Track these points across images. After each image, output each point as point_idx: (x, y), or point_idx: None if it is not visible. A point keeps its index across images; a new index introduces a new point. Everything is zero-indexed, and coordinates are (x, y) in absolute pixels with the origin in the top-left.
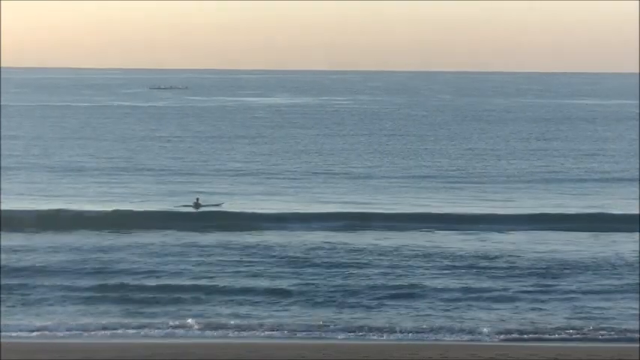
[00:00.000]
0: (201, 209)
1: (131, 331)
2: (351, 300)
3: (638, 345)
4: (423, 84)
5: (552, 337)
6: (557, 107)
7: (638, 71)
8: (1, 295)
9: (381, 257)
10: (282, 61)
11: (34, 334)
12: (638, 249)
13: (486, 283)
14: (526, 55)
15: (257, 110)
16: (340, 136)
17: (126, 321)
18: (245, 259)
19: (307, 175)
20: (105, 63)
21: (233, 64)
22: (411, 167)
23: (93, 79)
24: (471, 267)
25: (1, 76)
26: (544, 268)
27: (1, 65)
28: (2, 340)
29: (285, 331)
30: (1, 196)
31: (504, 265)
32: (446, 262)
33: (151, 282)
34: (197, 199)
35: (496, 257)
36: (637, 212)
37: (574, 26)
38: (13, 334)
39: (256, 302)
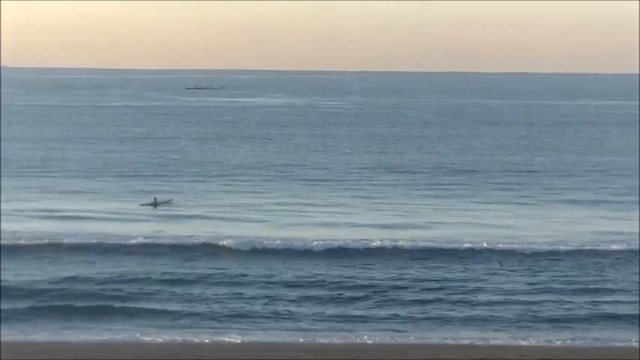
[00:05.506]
0: (158, 207)
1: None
2: None
3: (638, 345)
4: (416, 85)
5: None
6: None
7: (638, 72)
8: None
9: None
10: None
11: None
12: None
13: None
14: (526, 56)
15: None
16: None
17: None
18: None
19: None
20: (100, 63)
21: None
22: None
23: (114, 80)
24: None
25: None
26: None
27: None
28: (2, 340)
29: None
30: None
31: None
32: None
33: None
34: (155, 199)
35: None
36: None
37: (574, 26)
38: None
39: None
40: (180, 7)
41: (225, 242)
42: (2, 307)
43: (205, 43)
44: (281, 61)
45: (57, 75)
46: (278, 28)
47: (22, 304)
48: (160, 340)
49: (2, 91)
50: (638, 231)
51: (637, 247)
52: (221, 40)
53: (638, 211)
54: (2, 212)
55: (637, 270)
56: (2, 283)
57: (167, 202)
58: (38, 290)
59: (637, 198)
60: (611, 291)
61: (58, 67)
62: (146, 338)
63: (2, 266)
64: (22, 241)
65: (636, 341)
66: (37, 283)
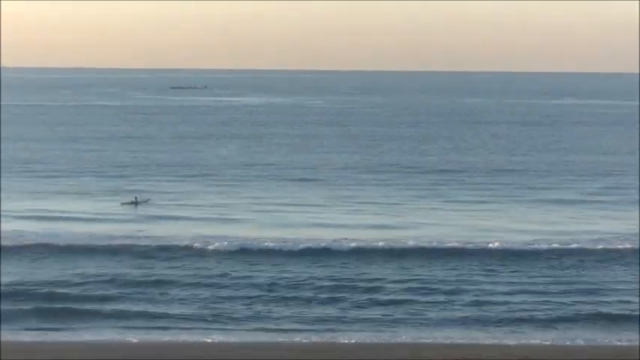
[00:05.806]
0: (138, 206)
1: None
2: None
3: (638, 345)
4: (408, 85)
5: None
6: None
7: (638, 71)
8: None
9: None
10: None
11: (34, 333)
12: None
13: None
14: (525, 56)
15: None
16: None
17: None
18: None
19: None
20: (100, 63)
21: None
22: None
23: (106, 80)
24: None
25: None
26: None
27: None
28: (2, 340)
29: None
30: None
31: None
32: None
33: None
34: (135, 198)
35: None
36: None
37: (574, 26)
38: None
39: None
40: (180, 7)
41: (206, 242)
42: None
43: (207, 43)
44: (279, 60)
45: (54, 75)
46: (275, 27)
47: (5, 306)
48: (144, 340)
49: None
50: (613, 230)
51: (617, 247)
52: (221, 39)
53: (612, 210)
54: None
55: (619, 269)
56: None
57: (146, 202)
58: (21, 291)
59: (617, 197)
60: (598, 290)
61: (58, 67)
62: (131, 338)
63: None
64: (6, 242)
65: (634, 341)
66: (19, 284)
